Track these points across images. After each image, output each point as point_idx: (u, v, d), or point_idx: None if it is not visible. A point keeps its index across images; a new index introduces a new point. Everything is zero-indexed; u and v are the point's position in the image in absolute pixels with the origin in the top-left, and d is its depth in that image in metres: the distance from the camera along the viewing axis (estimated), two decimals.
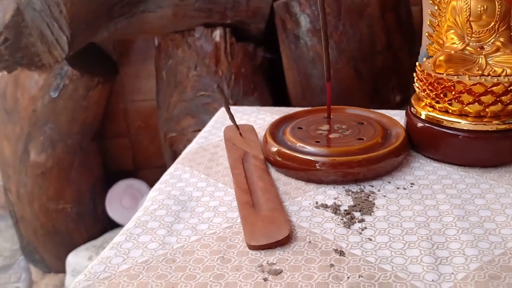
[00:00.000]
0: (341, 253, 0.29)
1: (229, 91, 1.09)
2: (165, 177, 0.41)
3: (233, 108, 0.55)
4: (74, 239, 1.13)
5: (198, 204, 0.36)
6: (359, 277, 0.27)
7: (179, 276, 0.28)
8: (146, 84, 1.33)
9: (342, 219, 0.33)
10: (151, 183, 1.15)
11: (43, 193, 1.10)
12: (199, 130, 0.56)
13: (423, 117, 0.40)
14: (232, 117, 0.44)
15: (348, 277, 0.27)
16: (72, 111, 1.06)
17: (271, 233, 0.31)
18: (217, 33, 1.09)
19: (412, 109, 0.41)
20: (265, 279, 0.27)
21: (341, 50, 1.03)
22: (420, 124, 0.40)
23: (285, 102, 1.17)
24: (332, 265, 0.28)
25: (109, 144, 1.37)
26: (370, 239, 0.31)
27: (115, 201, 1.20)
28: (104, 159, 1.28)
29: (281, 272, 0.28)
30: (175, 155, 1.11)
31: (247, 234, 0.31)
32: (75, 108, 1.07)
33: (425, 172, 0.38)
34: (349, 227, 0.32)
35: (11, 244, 1.28)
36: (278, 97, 1.19)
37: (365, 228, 0.32)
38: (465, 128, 0.38)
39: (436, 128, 0.39)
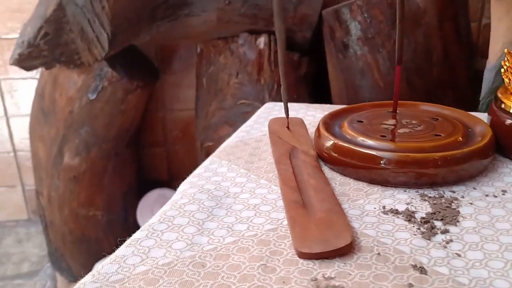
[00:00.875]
0: (422, 270, 0.22)
1: (271, 100, 1.03)
2: (198, 170, 0.35)
3: (278, 104, 0.49)
4: (103, 247, 1.08)
5: (236, 201, 0.29)
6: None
7: (208, 285, 0.22)
8: (186, 93, 1.29)
9: (419, 229, 0.26)
10: None
11: (74, 198, 1.07)
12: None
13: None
14: (286, 102, 0.38)
15: None
16: (109, 114, 1.03)
17: (328, 239, 0.24)
18: (262, 40, 1.04)
19: (499, 103, 0.34)
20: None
21: (394, 61, 0.95)
22: (509, 121, 0.33)
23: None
24: (411, 285, 0.21)
25: (144, 152, 1.33)
26: (459, 255, 0.23)
27: (147, 210, 1.15)
28: (138, 167, 1.24)
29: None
30: None
31: (297, 239, 0.24)
32: (113, 112, 1.03)
33: None
34: (429, 239, 0.25)
35: (40, 250, 1.25)
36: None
37: (451, 240, 0.24)
38: None
39: None
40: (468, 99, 1.02)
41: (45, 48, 0.84)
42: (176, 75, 1.31)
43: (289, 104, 0.48)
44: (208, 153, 1.10)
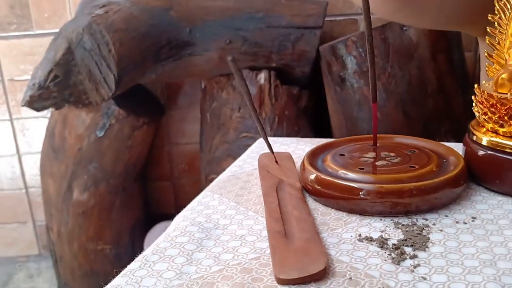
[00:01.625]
0: None
1: (272, 133, 1.06)
2: (192, 204, 0.37)
3: (271, 139, 0.51)
4: (110, 281, 1.10)
5: (224, 232, 0.32)
6: None
7: None
8: (191, 128, 1.33)
9: (390, 255, 0.28)
10: None
11: (83, 233, 1.09)
12: None
13: (484, 143, 0.35)
14: (265, 136, 0.40)
15: None
16: (116, 150, 1.07)
17: (304, 266, 0.26)
18: (262, 76, 1.08)
19: (472, 135, 0.37)
20: None
21: (389, 93, 0.99)
22: (481, 152, 0.35)
23: None
24: None
25: (152, 186, 1.36)
26: (424, 278, 0.25)
27: (153, 242, 1.17)
28: (145, 201, 1.27)
29: None
30: None
31: (276, 266, 0.27)
32: (120, 148, 1.07)
33: (489, 206, 0.33)
34: (398, 264, 0.27)
35: (50, 285, 1.27)
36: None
37: (418, 265, 0.26)
38: None
39: (501, 155, 0.34)
40: (465, 128, 1.04)
41: (54, 90, 0.89)
42: (182, 110, 1.35)
43: (281, 139, 0.51)
44: None
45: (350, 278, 0.26)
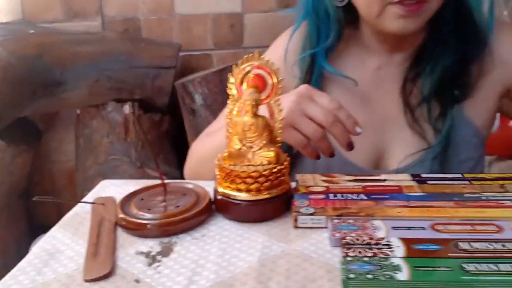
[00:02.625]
0: (137, 281, 0.49)
1: (137, 155, 1.29)
2: (44, 237, 0.60)
3: (110, 182, 0.75)
4: None
5: (61, 258, 0.55)
6: None
7: None
8: (69, 147, 1.51)
9: (148, 260, 0.53)
10: None
11: None
12: None
13: (220, 191, 0.62)
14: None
15: None
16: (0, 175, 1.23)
17: (99, 270, 0.51)
18: (127, 107, 1.30)
19: (215, 186, 0.63)
20: None
21: None
22: (219, 197, 0.62)
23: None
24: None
25: (36, 201, 1.52)
26: (159, 272, 0.51)
27: None
28: (31, 215, 1.43)
29: None
30: None
31: (85, 272, 0.51)
32: (2, 173, 1.23)
33: (218, 226, 0.60)
34: (150, 265, 0.52)
35: None
36: (185, 158, 1.40)
37: (159, 265, 0.52)
38: (243, 198, 0.60)
39: (226, 199, 0.61)
40: None
41: None
42: (59, 132, 1.53)
43: (116, 181, 0.75)
44: None
45: (122, 275, 0.51)
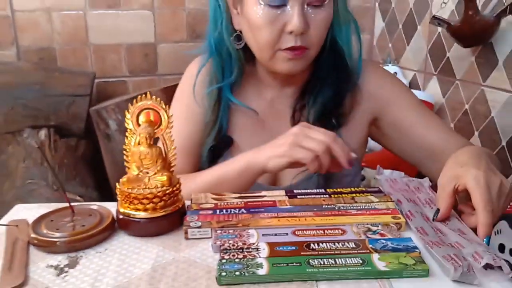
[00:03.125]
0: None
1: (53, 178, 1.35)
2: None
3: (24, 206, 0.82)
4: None
5: None
6: None
7: None
8: None
9: (56, 271, 0.62)
10: None
11: None
12: None
13: (121, 211, 0.72)
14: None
15: None
16: None
17: (10, 282, 0.59)
18: (42, 133, 1.36)
19: (117, 207, 0.74)
20: None
21: None
22: (121, 216, 0.72)
23: (107, 184, 1.45)
24: None
25: None
26: (66, 281, 0.60)
27: None
28: None
29: None
30: None
31: (1, 281, 0.59)
32: None
33: (119, 241, 0.70)
34: (58, 276, 0.61)
35: None
36: (102, 179, 1.48)
37: (67, 275, 0.62)
38: (141, 216, 0.70)
39: (126, 218, 0.71)
40: None
41: None
42: None
43: (28, 205, 0.83)
44: None
45: (34, 285, 0.60)
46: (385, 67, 1.70)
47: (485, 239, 0.68)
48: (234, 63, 0.97)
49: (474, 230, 0.70)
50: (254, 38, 0.89)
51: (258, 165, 0.83)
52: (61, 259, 0.66)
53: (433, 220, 0.73)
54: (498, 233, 0.67)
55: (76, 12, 1.55)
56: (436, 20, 1.26)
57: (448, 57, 1.46)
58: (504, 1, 1.20)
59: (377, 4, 1.87)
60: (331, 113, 0.98)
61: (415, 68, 1.65)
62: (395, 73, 1.62)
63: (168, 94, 1.38)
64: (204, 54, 1.01)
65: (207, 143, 0.98)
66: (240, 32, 0.93)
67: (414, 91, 1.49)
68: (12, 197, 1.33)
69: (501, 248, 0.66)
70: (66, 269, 0.63)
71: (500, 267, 0.60)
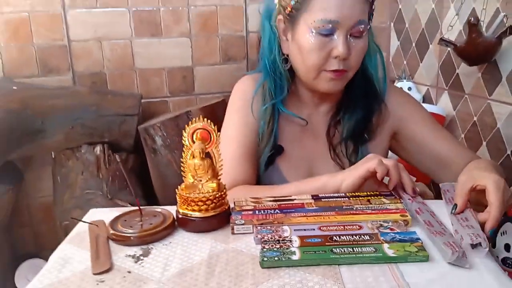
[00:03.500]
0: (129, 272, 0.76)
1: (108, 189, 1.54)
2: (56, 250, 0.85)
3: (100, 210, 1.01)
4: None
5: (74, 262, 0.81)
6: (124, 280, 0.74)
7: None
8: (45, 184, 1.74)
9: (134, 259, 0.80)
10: None
11: None
12: None
13: (180, 212, 0.90)
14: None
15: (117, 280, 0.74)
16: None
17: (100, 267, 0.77)
18: (98, 148, 1.56)
19: (176, 209, 0.91)
20: (97, 282, 0.74)
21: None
22: (180, 216, 0.90)
23: (152, 193, 1.64)
24: (124, 277, 0.75)
25: (16, 232, 1.73)
26: (143, 266, 0.78)
27: (22, 277, 1.56)
28: (12, 245, 1.64)
29: (103, 281, 0.74)
30: None
31: (93, 268, 0.77)
32: None
33: (180, 236, 0.87)
34: (135, 262, 0.79)
35: None
36: (149, 190, 1.67)
37: (142, 262, 0.79)
38: (196, 216, 0.88)
39: (185, 217, 0.89)
40: None
41: None
42: (37, 171, 1.75)
43: (104, 209, 1.01)
44: (66, 229, 1.56)
45: (118, 269, 0.77)
46: (400, 82, 1.85)
47: (490, 232, 0.82)
48: (285, 82, 1.13)
49: (481, 225, 0.84)
50: (303, 60, 1.06)
51: (333, 186, 0.98)
52: (136, 250, 0.83)
53: (451, 213, 0.87)
54: (504, 234, 0.78)
55: (123, 40, 1.76)
56: (444, 42, 1.41)
57: (457, 73, 1.61)
58: (505, 22, 1.34)
59: (392, 25, 2.02)
60: (362, 129, 1.14)
61: (428, 83, 1.80)
62: (410, 88, 1.77)
63: (205, 112, 1.56)
64: (259, 77, 1.17)
65: (264, 153, 1.13)
66: (287, 55, 1.10)
67: (427, 105, 1.64)
68: (72, 205, 1.53)
69: (507, 247, 0.77)
70: (141, 257, 0.81)
71: (480, 244, 0.75)
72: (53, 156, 1.60)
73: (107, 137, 1.56)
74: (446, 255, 0.75)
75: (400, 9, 1.95)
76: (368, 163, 0.94)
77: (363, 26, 1.02)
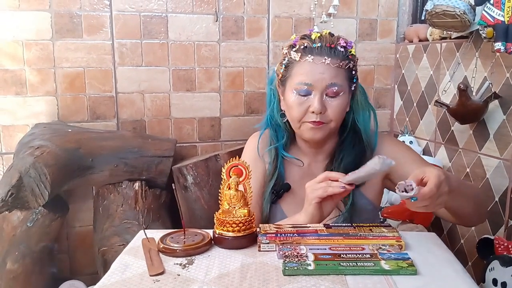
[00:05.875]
0: (178, 275, 0.96)
1: (143, 219, 1.75)
2: (117, 259, 1.06)
3: (149, 231, 1.22)
4: None
5: (132, 267, 1.01)
6: (176, 280, 0.95)
7: None
8: (83, 215, 1.96)
9: (181, 266, 1.00)
10: (86, 284, 1.75)
11: None
12: (123, 245, 1.21)
13: (217, 232, 1.10)
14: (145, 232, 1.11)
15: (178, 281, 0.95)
16: (39, 235, 1.66)
17: (156, 270, 0.97)
18: (136, 184, 1.78)
19: (214, 230, 1.12)
20: (154, 281, 0.94)
21: (211, 195, 1.76)
22: (216, 235, 1.11)
23: (180, 225, 1.84)
24: (175, 278, 0.95)
25: (55, 258, 1.93)
26: (189, 271, 0.98)
27: None
28: (53, 268, 1.83)
29: (159, 281, 0.94)
30: (105, 263, 1.71)
31: (149, 271, 0.97)
32: (42, 233, 1.66)
33: (216, 251, 1.07)
34: (183, 268, 0.99)
35: None
36: (176, 221, 1.87)
37: (188, 268, 0.99)
38: (230, 235, 1.08)
39: (220, 236, 1.09)
40: None
41: (10, 201, 1.48)
42: (78, 203, 1.97)
43: (154, 231, 1.22)
44: (103, 254, 1.76)
45: (168, 273, 0.97)
46: (403, 137, 2.08)
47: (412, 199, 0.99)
48: (283, 132, 1.37)
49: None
50: (289, 114, 1.30)
51: (309, 217, 1.20)
52: (182, 260, 1.04)
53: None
54: (491, 270, 0.94)
55: (162, 93, 2.03)
56: (438, 104, 1.65)
57: (452, 130, 1.84)
58: (491, 87, 1.58)
59: (396, 86, 2.29)
60: None
61: (427, 138, 2.02)
62: (411, 142, 1.99)
63: (231, 156, 1.78)
64: (261, 126, 1.42)
65: (268, 187, 1.36)
66: (284, 111, 1.34)
67: (426, 156, 1.85)
68: (110, 233, 1.74)
69: (494, 282, 0.92)
70: (187, 265, 1.01)
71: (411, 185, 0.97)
72: (95, 191, 1.82)
73: (145, 175, 1.79)
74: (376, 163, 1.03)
75: (403, 73, 2.22)
76: (308, 196, 1.17)
77: (336, 88, 1.22)
